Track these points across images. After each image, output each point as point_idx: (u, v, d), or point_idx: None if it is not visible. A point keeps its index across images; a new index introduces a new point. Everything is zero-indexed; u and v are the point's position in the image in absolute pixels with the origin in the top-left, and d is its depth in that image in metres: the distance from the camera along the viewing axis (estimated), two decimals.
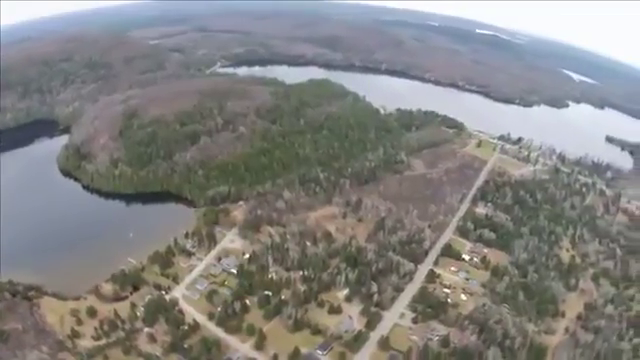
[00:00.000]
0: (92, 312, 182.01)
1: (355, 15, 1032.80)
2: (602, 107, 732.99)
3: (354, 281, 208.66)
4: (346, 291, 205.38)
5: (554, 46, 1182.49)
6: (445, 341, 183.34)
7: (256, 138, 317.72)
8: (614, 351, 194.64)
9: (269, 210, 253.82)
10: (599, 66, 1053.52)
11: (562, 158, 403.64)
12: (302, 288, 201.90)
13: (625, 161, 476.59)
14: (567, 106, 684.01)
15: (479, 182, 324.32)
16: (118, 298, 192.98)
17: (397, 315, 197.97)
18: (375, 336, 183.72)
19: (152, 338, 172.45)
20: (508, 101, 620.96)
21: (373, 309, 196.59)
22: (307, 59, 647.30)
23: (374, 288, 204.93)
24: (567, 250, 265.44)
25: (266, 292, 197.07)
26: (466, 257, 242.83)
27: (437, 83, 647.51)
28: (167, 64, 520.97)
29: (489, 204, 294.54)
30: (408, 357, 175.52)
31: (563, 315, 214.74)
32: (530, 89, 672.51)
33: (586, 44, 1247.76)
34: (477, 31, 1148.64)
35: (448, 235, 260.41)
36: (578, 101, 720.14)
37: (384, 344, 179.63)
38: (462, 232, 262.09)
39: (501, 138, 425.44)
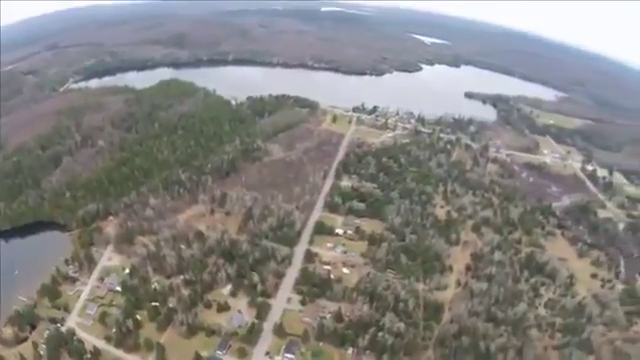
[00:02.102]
0: None
1: (199, 9, 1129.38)
2: (457, 65, 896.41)
3: (235, 275, 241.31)
4: (229, 287, 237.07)
5: (402, 13, 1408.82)
6: (338, 316, 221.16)
7: (115, 150, 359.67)
8: (513, 294, 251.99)
9: (139, 220, 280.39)
10: (450, 27, 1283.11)
11: (422, 120, 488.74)
12: (186, 292, 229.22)
13: (488, 113, 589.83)
14: (420, 69, 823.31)
15: (340, 156, 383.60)
16: (20, 340, 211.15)
17: (284, 300, 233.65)
18: (268, 325, 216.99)
19: None
20: (359, 73, 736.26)
21: (260, 299, 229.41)
22: (155, 61, 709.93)
23: (256, 278, 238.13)
24: (441, 207, 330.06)
25: (153, 303, 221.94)
26: (340, 231, 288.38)
27: (286, 66, 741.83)
28: (24, 89, 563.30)
29: (353, 176, 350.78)
30: (306, 339, 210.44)
31: (451, 269, 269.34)
32: (381, 58, 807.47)
33: (433, 7, 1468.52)
34: (323, 9, 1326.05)
35: (317, 213, 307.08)
36: (432, 63, 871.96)
37: (279, 331, 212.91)
38: (331, 208, 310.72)
39: (356, 110, 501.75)
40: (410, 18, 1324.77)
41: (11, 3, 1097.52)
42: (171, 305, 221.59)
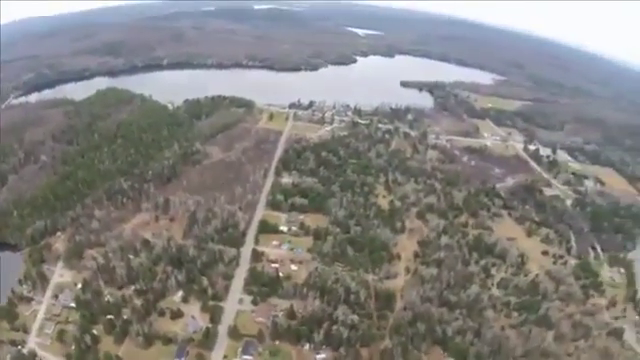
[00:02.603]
0: None
1: (133, 15, 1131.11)
2: (392, 55, 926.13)
3: (184, 281, 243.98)
4: (180, 293, 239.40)
5: (334, 7, 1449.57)
6: (291, 313, 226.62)
7: (57, 164, 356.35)
8: (464, 276, 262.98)
9: (86, 233, 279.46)
10: (384, 18, 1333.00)
11: (358, 112, 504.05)
12: (139, 302, 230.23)
13: (425, 101, 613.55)
14: (355, 62, 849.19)
15: (279, 153, 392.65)
16: None
17: (236, 302, 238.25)
18: (223, 328, 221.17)
19: None
20: (294, 69, 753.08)
21: (211, 303, 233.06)
22: (92, 71, 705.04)
23: (205, 282, 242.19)
24: (384, 196, 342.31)
25: (108, 316, 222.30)
26: (284, 228, 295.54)
27: (221, 66, 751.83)
28: None
29: (293, 172, 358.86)
30: (261, 339, 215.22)
31: (399, 258, 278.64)
32: (315, 53, 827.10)
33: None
34: (256, 7, 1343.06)
35: (261, 212, 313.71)
36: (366, 55, 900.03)
37: (234, 333, 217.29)
38: (273, 205, 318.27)
39: (292, 106, 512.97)
40: (343, 11, 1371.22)
41: None
42: (126, 317, 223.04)
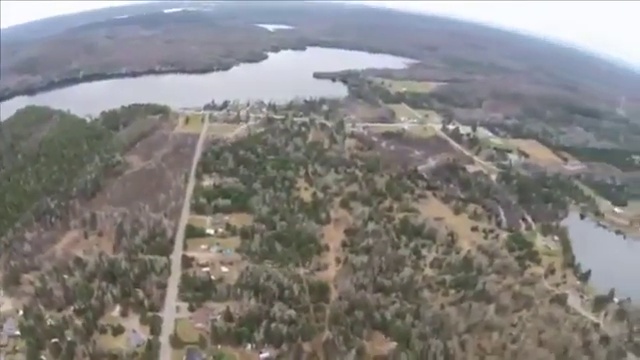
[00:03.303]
0: None
1: (48, 30, 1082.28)
2: (303, 48, 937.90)
3: (120, 295, 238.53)
4: (118, 308, 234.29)
5: (243, 4, 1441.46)
6: (228, 316, 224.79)
7: None
8: (395, 260, 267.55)
9: (20, 258, 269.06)
10: (293, 11, 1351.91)
11: (273, 107, 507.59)
12: (80, 322, 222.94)
13: (340, 90, 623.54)
14: (266, 57, 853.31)
15: (197, 156, 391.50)
16: None
17: (173, 310, 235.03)
18: (164, 339, 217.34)
19: None
20: (206, 70, 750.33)
21: (149, 314, 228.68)
22: (12, 90, 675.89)
23: (141, 294, 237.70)
24: (306, 189, 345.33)
25: (53, 340, 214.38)
26: (211, 231, 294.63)
27: (135, 74, 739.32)
28: None
29: (214, 174, 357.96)
30: (203, 345, 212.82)
31: (328, 249, 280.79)
32: (226, 52, 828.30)
33: None
34: (165, 11, 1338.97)
35: (186, 217, 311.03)
36: (277, 50, 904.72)
37: (176, 342, 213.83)
38: (198, 209, 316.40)
39: (207, 107, 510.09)
40: (252, 8, 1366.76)
41: None
42: (69, 338, 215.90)
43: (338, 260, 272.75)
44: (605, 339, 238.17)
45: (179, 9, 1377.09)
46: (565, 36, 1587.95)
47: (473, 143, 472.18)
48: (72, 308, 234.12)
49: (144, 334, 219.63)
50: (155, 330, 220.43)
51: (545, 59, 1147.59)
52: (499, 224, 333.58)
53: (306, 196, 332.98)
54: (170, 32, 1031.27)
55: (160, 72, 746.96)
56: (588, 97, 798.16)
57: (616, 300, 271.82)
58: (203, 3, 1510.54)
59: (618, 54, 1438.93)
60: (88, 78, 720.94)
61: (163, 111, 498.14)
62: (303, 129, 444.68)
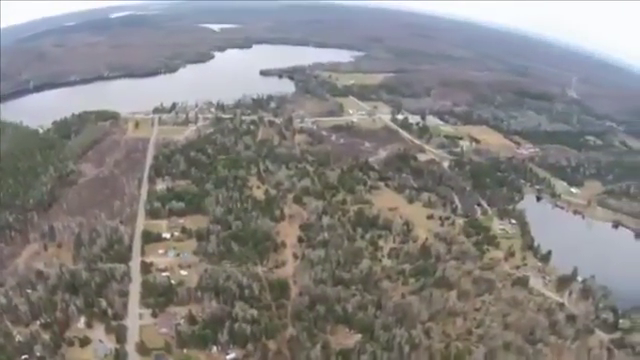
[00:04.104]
0: None
1: (5, 39, 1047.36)
2: (249, 46, 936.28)
3: (84, 306, 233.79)
4: (83, 319, 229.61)
5: (189, 5, 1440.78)
6: (191, 319, 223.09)
7: None
8: (352, 253, 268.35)
9: None
10: (239, 10, 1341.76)
11: (221, 107, 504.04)
12: (47, 336, 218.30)
13: (287, 87, 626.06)
14: (213, 57, 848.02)
15: (149, 161, 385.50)
16: None
17: (137, 318, 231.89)
18: (130, 347, 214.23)
19: None
20: (154, 73, 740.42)
21: (114, 323, 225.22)
22: None
23: (104, 303, 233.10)
24: (258, 187, 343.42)
25: (23, 357, 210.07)
26: (167, 235, 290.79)
27: (84, 81, 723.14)
28: None
29: (166, 177, 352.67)
30: (169, 350, 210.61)
31: (284, 245, 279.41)
32: (173, 54, 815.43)
33: None
34: (112, 16, 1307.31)
35: (141, 223, 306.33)
36: (223, 49, 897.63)
37: (142, 349, 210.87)
38: (153, 214, 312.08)
39: (156, 111, 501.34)
40: (198, 9, 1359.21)
41: None
42: (39, 353, 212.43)
43: (295, 256, 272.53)
44: (571, 318, 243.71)
45: (126, 13, 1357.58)
46: (514, 22, 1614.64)
47: (423, 132, 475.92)
48: (38, 323, 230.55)
49: (110, 343, 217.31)
50: (121, 339, 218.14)
51: (494, 46, 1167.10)
52: (454, 211, 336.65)
53: (259, 194, 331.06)
54: (117, 37, 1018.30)
55: (109, 78, 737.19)
56: (539, 81, 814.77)
57: (579, 279, 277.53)
58: (150, 4, 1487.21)
59: (569, 37, 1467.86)
60: (39, 88, 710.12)
61: (113, 117, 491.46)
62: (252, 127, 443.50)
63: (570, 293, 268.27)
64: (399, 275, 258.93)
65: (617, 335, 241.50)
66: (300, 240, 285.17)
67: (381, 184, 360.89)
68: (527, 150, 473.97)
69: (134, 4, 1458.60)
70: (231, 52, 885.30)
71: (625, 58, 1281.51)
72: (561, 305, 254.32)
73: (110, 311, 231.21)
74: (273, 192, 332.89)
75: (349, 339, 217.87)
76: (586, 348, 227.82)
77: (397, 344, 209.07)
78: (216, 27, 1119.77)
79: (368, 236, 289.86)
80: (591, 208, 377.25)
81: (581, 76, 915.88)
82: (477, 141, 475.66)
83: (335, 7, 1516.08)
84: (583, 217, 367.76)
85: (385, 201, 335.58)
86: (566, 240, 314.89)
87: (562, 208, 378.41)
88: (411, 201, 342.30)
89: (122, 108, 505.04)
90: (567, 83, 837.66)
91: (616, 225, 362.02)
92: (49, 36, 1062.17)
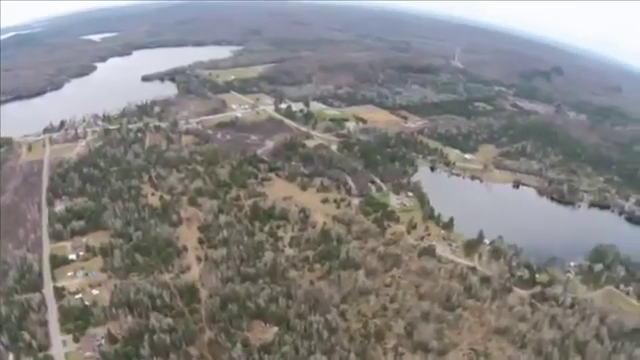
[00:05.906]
0: None
1: None
2: (129, 53, 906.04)
3: (10, 342, 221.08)
4: (11, 356, 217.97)
5: (69, 19, 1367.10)
6: (111, 338, 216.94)
7: None
8: (254, 246, 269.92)
9: None
10: (116, 17, 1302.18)
11: (108, 118, 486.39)
12: None
13: (170, 89, 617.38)
14: (96, 69, 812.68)
15: (45, 183, 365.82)
16: None
17: (61, 345, 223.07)
18: None
19: None
20: (40, 93, 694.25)
21: (40, 355, 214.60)
22: None
23: (27, 336, 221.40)
24: (152, 194, 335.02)
25: None
26: (73, 257, 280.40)
27: None
28: None
29: (64, 197, 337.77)
30: None
31: (186, 249, 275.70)
32: (57, 71, 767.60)
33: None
34: (2, 37, 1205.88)
35: (47, 247, 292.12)
36: (104, 59, 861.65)
37: None
38: (56, 237, 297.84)
39: (46, 131, 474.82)
40: (78, 21, 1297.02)
41: None
42: None
43: (199, 258, 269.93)
44: (486, 280, 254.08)
45: (11, 34, 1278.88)
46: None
47: (308, 118, 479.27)
48: None
49: None
50: None
51: (373, 26, 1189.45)
52: (349, 192, 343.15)
53: (154, 201, 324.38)
54: (5, 59, 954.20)
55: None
56: (421, 55, 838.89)
57: (487, 241, 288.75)
58: (33, 24, 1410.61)
59: (450, 10, 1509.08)
60: None
61: (7, 143, 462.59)
62: (139, 135, 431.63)
63: (480, 256, 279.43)
64: (304, 262, 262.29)
65: (537, 290, 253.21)
66: (201, 242, 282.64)
67: (272, 175, 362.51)
68: (415, 123, 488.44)
69: (17, 24, 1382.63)
70: (112, 61, 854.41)
71: (504, 22, 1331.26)
72: (473, 269, 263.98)
73: (34, 343, 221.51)
74: (167, 197, 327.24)
75: (267, 333, 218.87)
76: (507, 306, 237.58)
77: (315, 330, 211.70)
78: (97, 37, 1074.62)
79: (267, 228, 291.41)
80: (488, 171, 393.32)
81: (465, 46, 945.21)
82: (364, 121, 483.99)
83: (212, 4, 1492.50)
84: (481, 181, 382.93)
85: (278, 191, 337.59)
86: (467, 206, 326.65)
87: (458, 175, 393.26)
88: (304, 188, 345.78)
89: (14, 132, 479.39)
90: (451, 54, 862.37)
91: (517, 185, 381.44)
92: None
